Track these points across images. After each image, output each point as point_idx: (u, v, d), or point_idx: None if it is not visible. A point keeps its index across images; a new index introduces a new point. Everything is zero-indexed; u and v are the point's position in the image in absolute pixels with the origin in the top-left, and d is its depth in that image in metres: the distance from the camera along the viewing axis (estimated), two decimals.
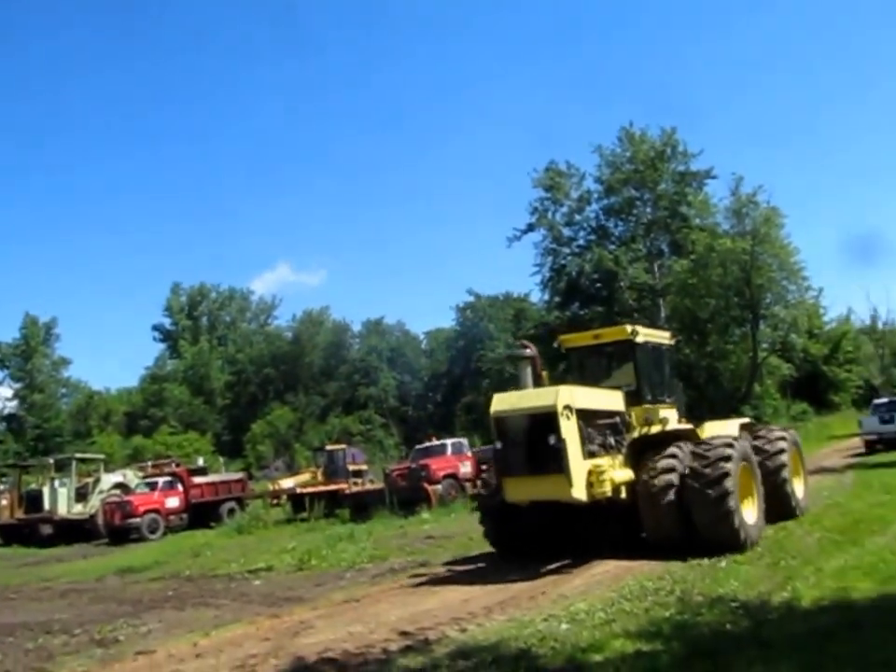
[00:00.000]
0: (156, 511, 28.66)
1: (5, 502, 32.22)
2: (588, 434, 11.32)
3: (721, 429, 13.25)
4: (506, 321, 64.97)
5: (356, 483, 29.55)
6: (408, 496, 23.02)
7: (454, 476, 25.04)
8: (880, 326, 70.99)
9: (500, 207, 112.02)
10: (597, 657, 6.52)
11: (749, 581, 8.94)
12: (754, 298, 38.68)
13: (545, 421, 10.70)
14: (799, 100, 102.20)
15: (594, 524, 12.04)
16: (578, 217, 48.06)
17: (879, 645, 5.94)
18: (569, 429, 10.78)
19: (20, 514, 31.17)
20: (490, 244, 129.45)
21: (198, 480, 31.15)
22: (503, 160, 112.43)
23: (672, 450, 11.62)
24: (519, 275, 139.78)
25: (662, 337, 14.21)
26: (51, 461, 34.67)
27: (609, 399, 12.32)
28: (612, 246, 46.84)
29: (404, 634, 8.17)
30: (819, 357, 57.83)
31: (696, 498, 11.00)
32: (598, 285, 47.50)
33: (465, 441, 29.69)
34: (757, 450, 13.05)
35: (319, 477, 31.86)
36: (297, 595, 11.75)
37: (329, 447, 35.10)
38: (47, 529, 30.15)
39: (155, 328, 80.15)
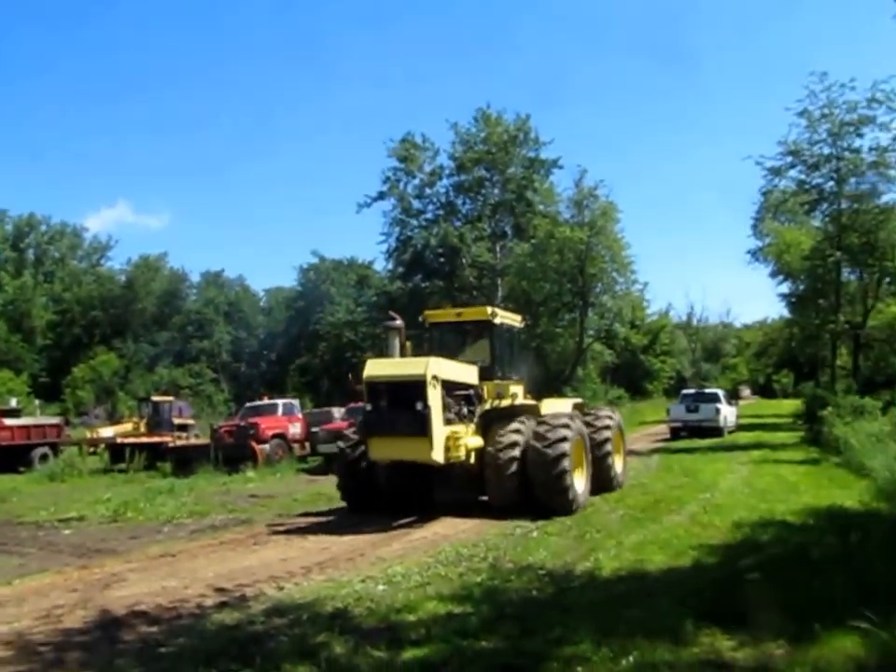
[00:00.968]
0: None
1: None
2: (447, 403, 12.28)
3: (558, 407, 14.65)
4: (348, 286, 64.64)
5: (180, 437, 28.68)
6: (234, 453, 22.56)
7: (282, 436, 24.79)
8: (695, 322, 76.69)
9: (353, 172, 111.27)
10: (411, 618, 6.71)
11: (556, 552, 9.42)
12: (586, 286, 40.31)
13: (414, 388, 11.53)
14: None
15: (442, 485, 13.14)
16: (428, 191, 48.49)
17: (666, 612, 6.41)
18: (435, 397, 11.68)
19: None
20: (340, 208, 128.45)
21: (9, 422, 29.03)
22: (363, 126, 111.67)
23: (517, 423, 12.83)
24: (365, 242, 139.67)
25: (514, 320, 15.23)
26: None
27: (466, 373, 13.27)
28: (458, 223, 47.56)
29: (220, 590, 8.12)
30: (639, 347, 61.68)
31: (536, 468, 12.24)
32: (442, 259, 48.16)
33: (296, 402, 29.51)
34: (587, 426, 14.26)
35: (142, 428, 30.69)
36: (110, 546, 11.32)
37: (154, 398, 33.92)
38: None
39: None
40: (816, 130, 29.96)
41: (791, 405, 40.12)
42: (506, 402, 13.62)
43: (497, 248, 47.33)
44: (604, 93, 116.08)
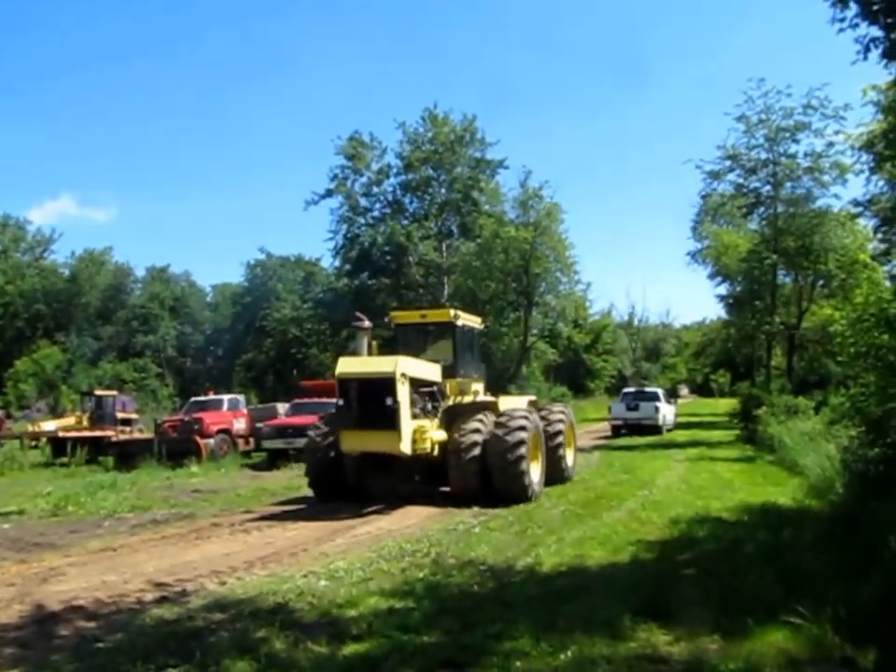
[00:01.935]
0: None
1: None
2: (413, 399, 13.14)
3: (514, 404, 15.55)
4: (295, 283, 64.17)
5: (123, 432, 28.34)
6: (178, 447, 22.31)
7: (227, 431, 24.59)
8: (636, 322, 78.01)
9: (301, 169, 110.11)
10: (352, 613, 6.72)
11: (498, 547, 9.51)
12: (530, 285, 40.66)
13: (383, 385, 12.38)
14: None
15: (406, 476, 13.86)
16: (375, 189, 48.46)
17: (604, 606, 6.54)
18: (403, 393, 12.55)
19: None
20: (287, 204, 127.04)
21: None
22: (311, 122, 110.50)
23: (478, 418, 13.71)
24: (313, 239, 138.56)
25: (475, 321, 16.26)
26: None
27: (431, 371, 14.15)
28: (405, 222, 47.66)
29: (160, 585, 8.04)
30: (581, 346, 62.45)
31: (496, 460, 13.11)
32: (388, 257, 48.20)
33: (242, 397, 29.33)
34: (542, 421, 15.15)
35: (85, 422, 30.07)
36: (49, 541, 11.12)
37: (98, 392, 33.36)
38: None
39: None
40: (753, 135, 30.72)
41: (727, 404, 40.97)
42: (468, 399, 14.67)
43: (444, 247, 47.59)
44: (549, 95, 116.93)
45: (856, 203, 25.97)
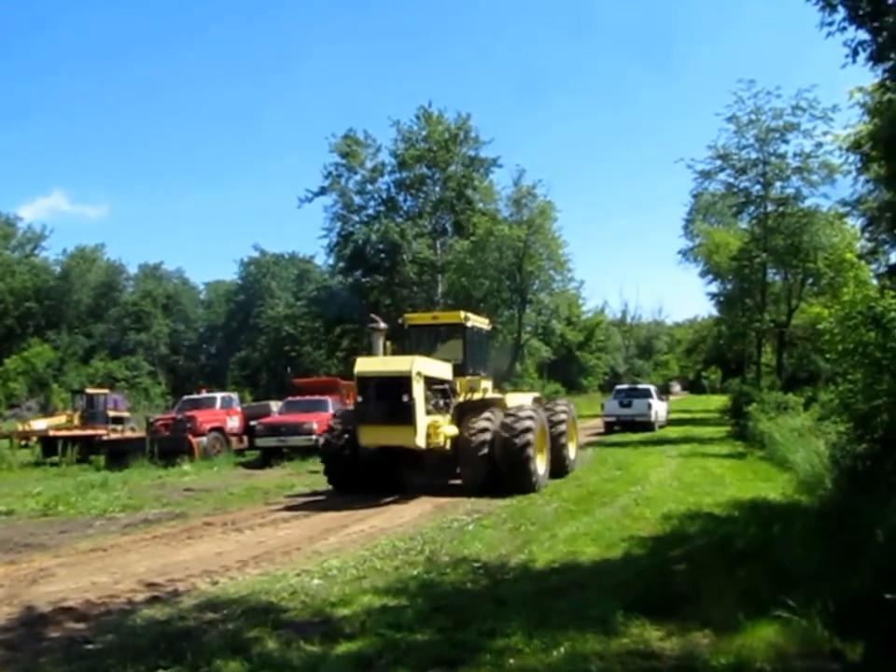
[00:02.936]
0: None
1: None
2: (427, 396, 13.86)
3: (521, 400, 16.50)
4: (289, 280, 64.16)
5: (115, 430, 28.26)
6: (170, 446, 22.25)
7: (220, 430, 24.54)
8: (629, 320, 78.26)
9: (295, 167, 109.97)
10: (345, 611, 6.71)
11: (491, 544, 9.52)
12: (524, 283, 40.87)
13: (400, 382, 13.16)
14: None
15: (419, 469, 14.61)
16: (370, 187, 48.53)
17: (597, 602, 6.54)
18: (418, 391, 13.31)
19: None
20: (282, 202, 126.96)
21: None
22: (306, 120, 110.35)
23: (487, 414, 14.46)
24: (307, 237, 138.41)
25: (483, 323, 17.18)
26: None
27: (443, 369, 14.86)
28: (400, 219, 47.70)
29: (152, 585, 8.00)
30: (575, 343, 62.57)
31: (504, 453, 13.89)
32: (383, 255, 48.31)
33: (235, 395, 29.14)
34: (546, 416, 15.89)
35: (76, 421, 29.98)
36: (39, 541, 11.05)
37: (89, 390, 33.29)
38: None
39: None
40: (744, 135, 31.14)
41: (718, 401, 41.07)
42: (477, 395, 15.39)
43: (438, 245, 47.61)
44: (546, 92, 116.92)
45: (844, 203, 26.37)
